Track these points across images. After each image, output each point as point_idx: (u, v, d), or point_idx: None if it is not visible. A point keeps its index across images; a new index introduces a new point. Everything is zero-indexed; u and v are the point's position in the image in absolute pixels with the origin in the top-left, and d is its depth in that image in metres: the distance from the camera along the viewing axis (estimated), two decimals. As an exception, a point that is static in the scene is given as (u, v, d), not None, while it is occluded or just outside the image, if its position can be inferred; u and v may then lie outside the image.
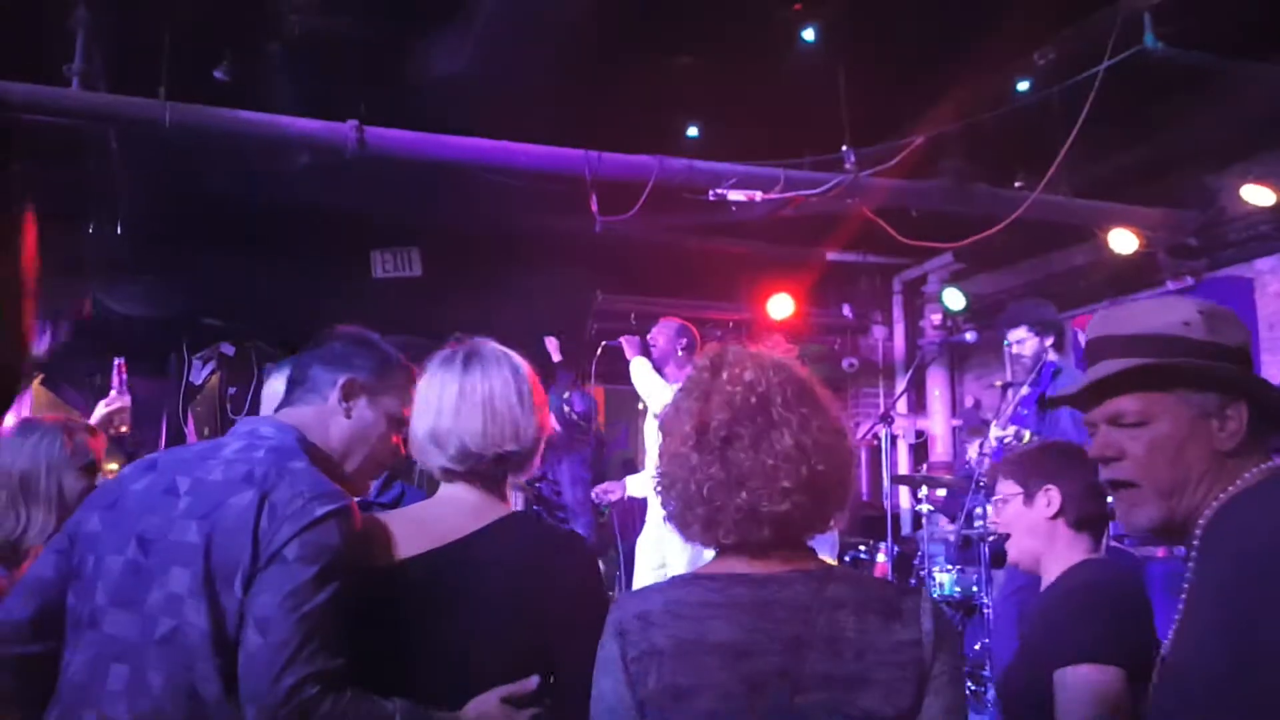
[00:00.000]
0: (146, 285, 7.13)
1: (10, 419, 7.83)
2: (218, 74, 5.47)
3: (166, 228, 6.50)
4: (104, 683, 1.77)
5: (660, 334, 5.62)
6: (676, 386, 5.52)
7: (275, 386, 2.52)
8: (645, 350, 5.60)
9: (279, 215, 6.47)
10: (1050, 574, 2.44)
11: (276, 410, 2.11)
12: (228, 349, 7.93)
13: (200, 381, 8.04)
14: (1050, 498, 2.43)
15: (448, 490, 2.00)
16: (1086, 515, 2.43)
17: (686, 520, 1.54)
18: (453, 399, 1.97)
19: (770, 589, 1.48)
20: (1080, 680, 2.13)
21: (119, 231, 5.94)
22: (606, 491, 5.87)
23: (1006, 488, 2.53)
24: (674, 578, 1.56)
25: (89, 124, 5.18)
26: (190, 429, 8.25)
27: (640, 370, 5.55)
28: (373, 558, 1.85)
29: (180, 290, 7.35)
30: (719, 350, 1.62)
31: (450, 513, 1.94)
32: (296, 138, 5.43)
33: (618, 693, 1.45)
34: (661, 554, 5.22)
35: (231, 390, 7.96)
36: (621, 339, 5.76)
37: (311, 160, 5.73)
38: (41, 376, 8.14)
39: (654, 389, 5.44)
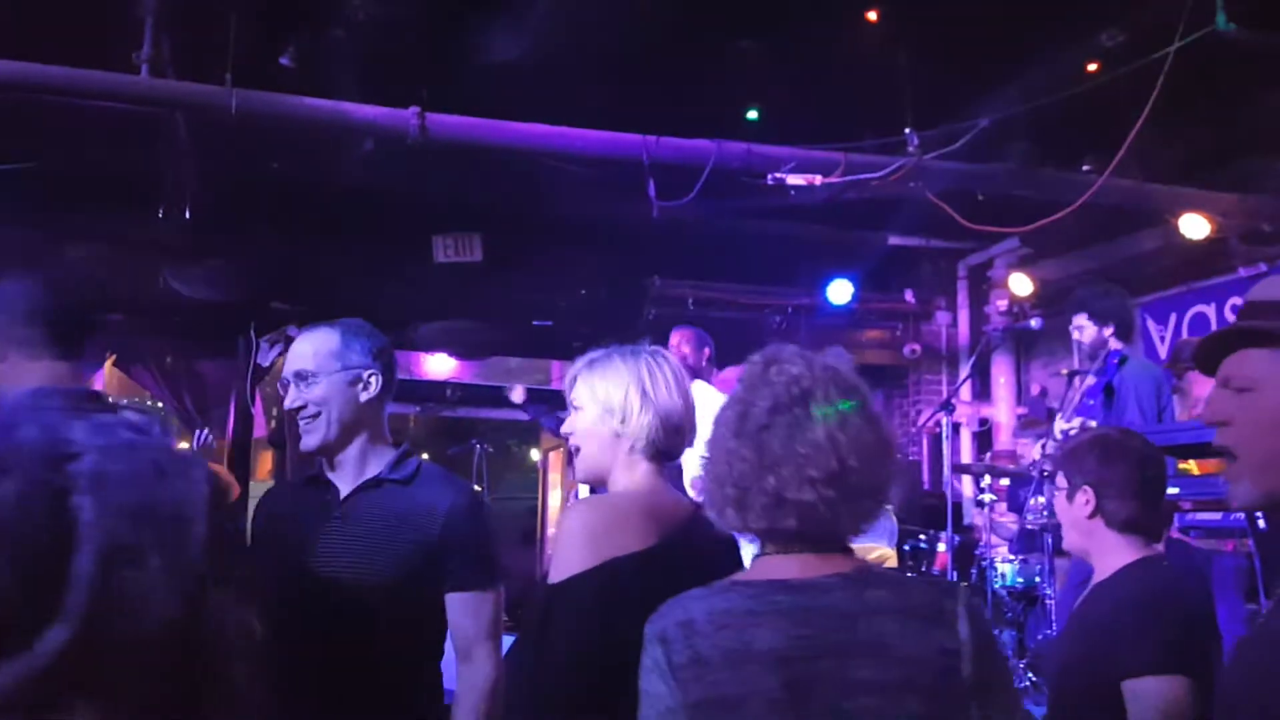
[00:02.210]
0: (215, 269, 7.27)
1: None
2: (283, 60, 5.55)
3: (234, 213, 6.62)
4: None
5: (684, 345, 5.37)
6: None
7: None
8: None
9: (343, 200, 6.56)
10: (1101, 570, 2.42)
11: None
12: (294, 332, 8.06)
13: (268, 364, 8.19)
14: (1086, 497, 2.41)
15: (656, 479, 2.11)
16: (1128, 516, 2.38)
17: (718, 501, 1.57)
18: (688, 393, 2.15)
19: (810, 595, 1.49)
20: (1150, 692, 2.14)
21: (187, 217, 6.05)
22: None
23: (1059, 479, 2.53)
24: (712, 585, 1.57)
25: (158, 111, 5.29)
26: (259, 409, 8.42)
27: (702, 395, 5.18)
28: (627, 544, 1.93)
29: (248, 274, 7.49)
30: (774, 349, 1.65)
31: (670, 501, 2.09)
32: (360, 124, 5.50)
33: (673, 696, 1.47)
34: None
35: (297, 372, 8.09)
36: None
37: (375, 146, 5.79)
38: (114, 358, 8.37)
39: (702, 394, 5.10)
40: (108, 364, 8.54)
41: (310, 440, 2.33)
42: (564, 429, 2.20)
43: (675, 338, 5.44)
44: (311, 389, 2.31)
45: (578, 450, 2.17)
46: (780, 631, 1.46)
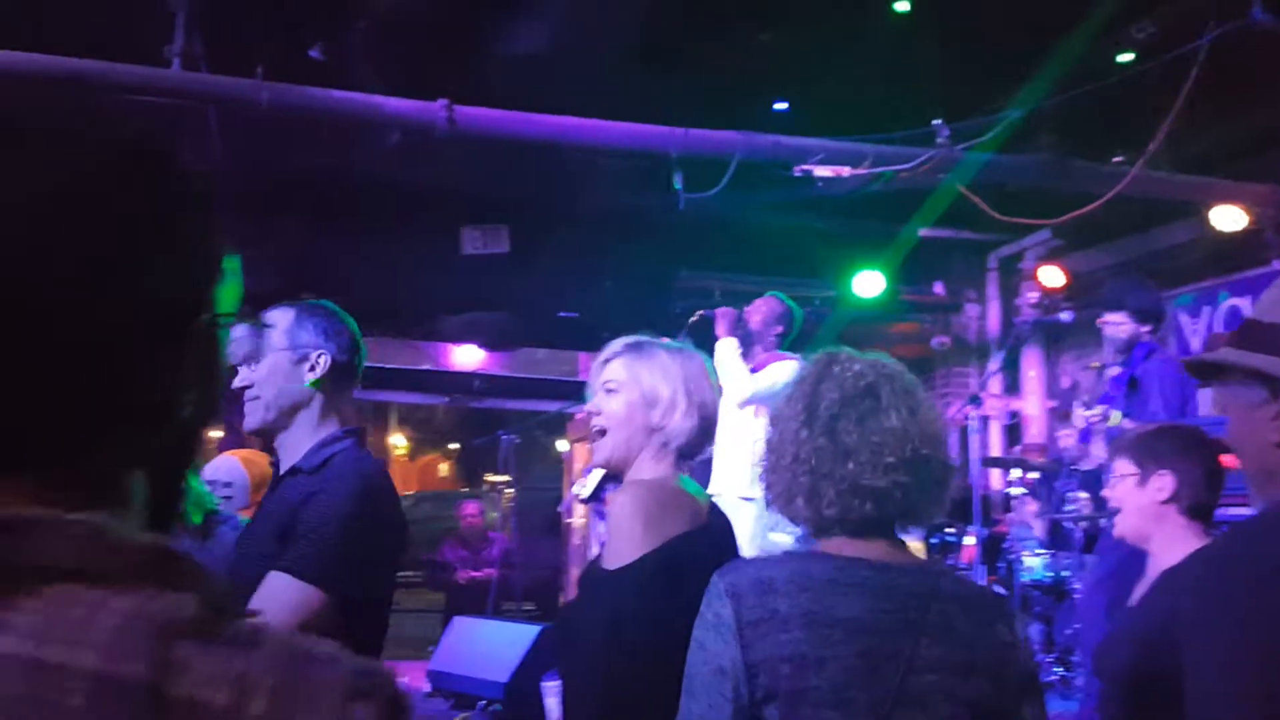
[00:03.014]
0: (245, 261, 7.31)
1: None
2: (312, 53, 5.59)
3: (265, 205, 6.67)
4: None
5: (757, 312, 5.18)
6: (759, 375, 5.29)
7: None
8: (737, 327, 5.10)
9: (372, 192, 6.60)
10: (1161, 557, 2.44)
11: None
12: (323, 323, 8.12)
13: (296, 355, 8.27)
14: (1164, 482, 2.43)
15: (676, 472, 2.12)
16: (1200, 503, 2.43)
17: (791, 492, 1.60)
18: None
19: (891, 574, 1.55)
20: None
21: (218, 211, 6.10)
22: None
23: (1122, 465, 2.53)
24: (790, 552, 1.68)
25: (190, 104, 5.34)
26: (288, 399, 8.50)
27: (726, 352, 5.07)
28: (678, 525, 1.96)
29: (278, 266, 7.54)
30: (832, 351, 1.70)
31: (690, 491, 2.10)
32: (388, 117, 5.54)
33: (730, 654, 1.49)
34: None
35: (327, 363, 8.17)
36: (718, 311, 5.21)
37: (403, 138, 5.83)
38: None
39: (735, 374, 4.98)
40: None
41: (247, 421, 2.16)
42: (590, 408, 2.16)
43: (756, 302, 5.25)
44: (256, 369, 2.14)
45: (602, 433, 2.13)
46: (862, 603, 1.51)
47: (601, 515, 6.52)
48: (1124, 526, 2.53)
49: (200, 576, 0.62)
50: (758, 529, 4.64)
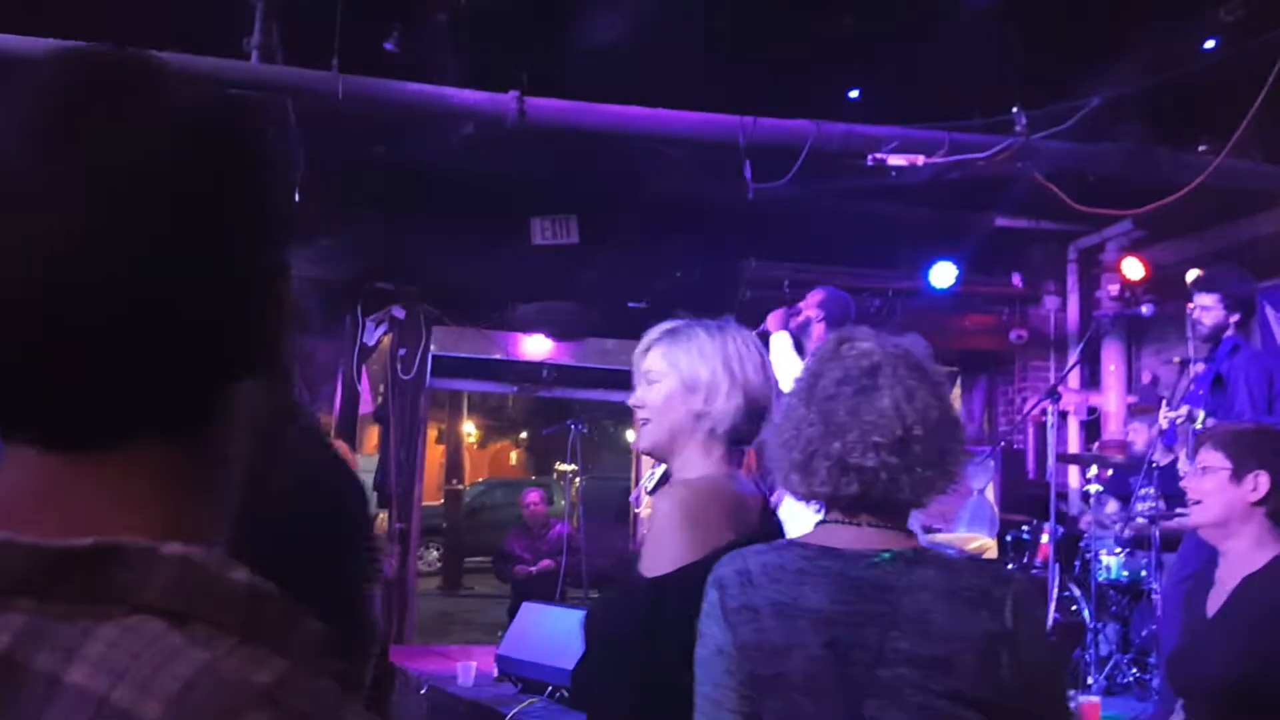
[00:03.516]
0: (323, 250, 7.46)
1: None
2: (388, 45, 5.67)
3: (340, 195, 6.79)
4: None
5: (810, 304, 5.20)
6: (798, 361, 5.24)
7: None
8: (788, 318, 5.17)
9: (444, 182, 6.68)
10: (1238, 554, 2.41)
11: None
12: (399, 312, 8.25)
13: (373, 343, 8.40)
14: (1259, 483, 2.39)
15: (729, 464, 2.02)
16: None
17: (785, 467, 1.62)
18: (773, 375, 2.07)
19: (859, 565, 1.55)
20: None
21: (297, 199, 6.22)
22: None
23: (1213, 458, 2.48)
24: (768, 545, 1.65)
25: (267, 95, 5.45)
26: (365, 387, 8.64)
27: (778, 346, 5.13)
28: (724, 533, 1.86)
29: (353, 255, 7.68)
30: (849, 329, 1.71)
31: (744, 487, 2.00)
32: (460, 109, 5.59)
33: (724, 636, 1.57)
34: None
35: (401, 351, 8.29)
36: (770, 316, 5.28)
37: (476, 129, 5.88)
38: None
39: (786, 365, 4.80)
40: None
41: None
42: (633, 400, 2.08)
43: (812, 293, 5.27)
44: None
45: (646, 423, 2.05)
46: (825, 593, 1.53)
47: None
48: (1204, 518, 2.49)
49: (292, 625, 0.59)
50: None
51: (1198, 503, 2.49)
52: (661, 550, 1.83)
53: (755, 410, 1.99)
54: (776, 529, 1.97)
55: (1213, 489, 2.46)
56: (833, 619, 1.52)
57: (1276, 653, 2.20)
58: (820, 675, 1.50)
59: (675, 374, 2.00)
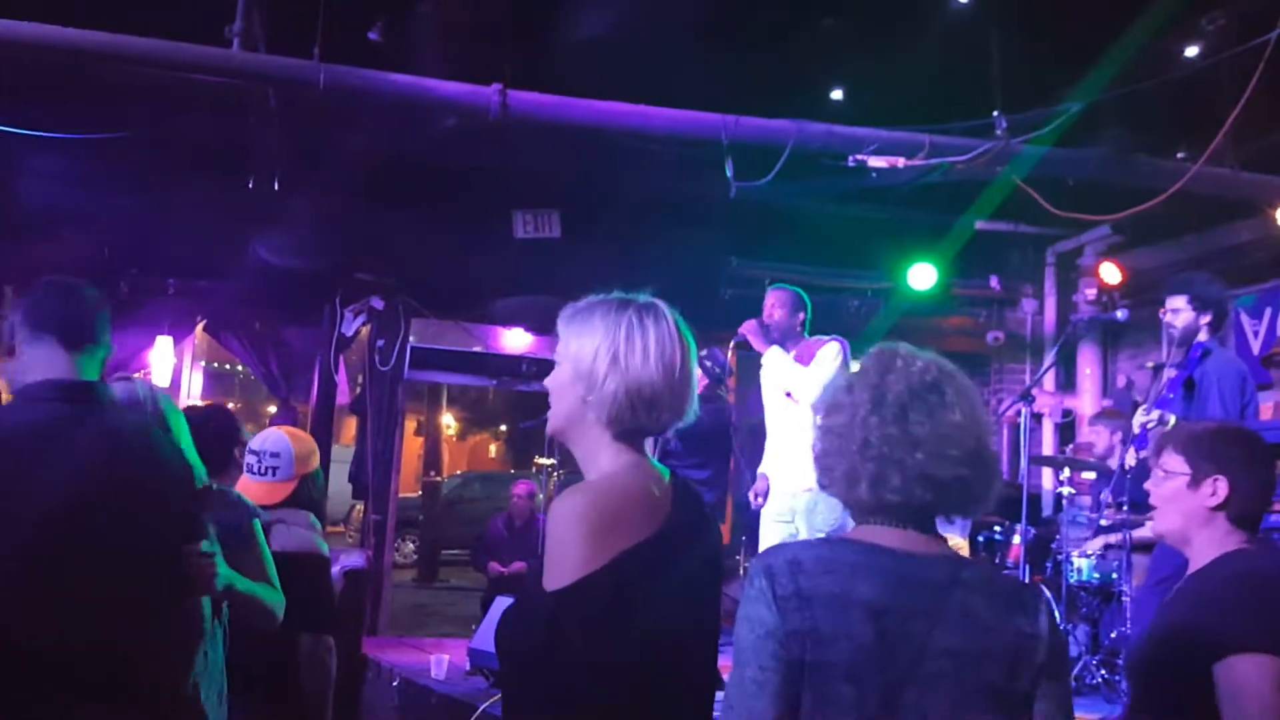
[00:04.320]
0: (303, 239, 7.43)
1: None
2: (371, 35, 5.65)
3: (322, 184, 6.76)
4: None
5: (777, 307, 5.20)
6: (812, 367, 5.27)
7: None
8: (764, 329, 5.17)
9: (426, 174, 6.66)
10: (1199, 559, 2.36)
11: None
12: (377, 303, 8.21)
13: (351, 334, 8.36)
14: (1218, 488, 2.32)
15: (630, 454, 1.83)
16: (1250, 512, 2.34)
17: (855, 476, 1.64)
18: (677, 363, 1.84)
19: (911, 564, 1.62)
20: (1243, 671, 2.09)
21: (276, 187, 6.20)
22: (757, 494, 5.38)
23: (1173, 463, 2.40)
24: (819, 539, 1.71)
25: (249, 83, 5.42)
26: (342, 378, 8.61)
27: (776, 360, 5.13)
28: (629, 535, 1.71)
29: (333, 245, 7.64)
30: (892, 345, 1.73)
31: (652, 478, 1.82)
32: (442, 100, 5.57)
33: (773, 620, 1.59)
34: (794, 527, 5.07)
35: (380, 343, 8.26)
36: (742, 331, 5.25)
37: (458, 122, 5.86)
38: (204, 323, 8.62)
39: (792, 377, 5.03)
40: (198, 329, 8.81)
41: None
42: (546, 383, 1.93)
43: (770, 298, 5.27)
44: None
45: (550, 409, 1.90)
46: (880, 587, 1.59)
47: None
48: (1163, 525, 2.43)
49: None
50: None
51: (1156, 508, 2.43)
52: (560, 561, 1.68)
53: (643, 399, 1.79)
54: (688, 510, 1.82)
55: (1170, 495, 2.40)
56: (883, 611, 1.57)
57: (1197, 637, 2.19)
58: (865, 664, 1.56)
59: (568, 358, 1.85)
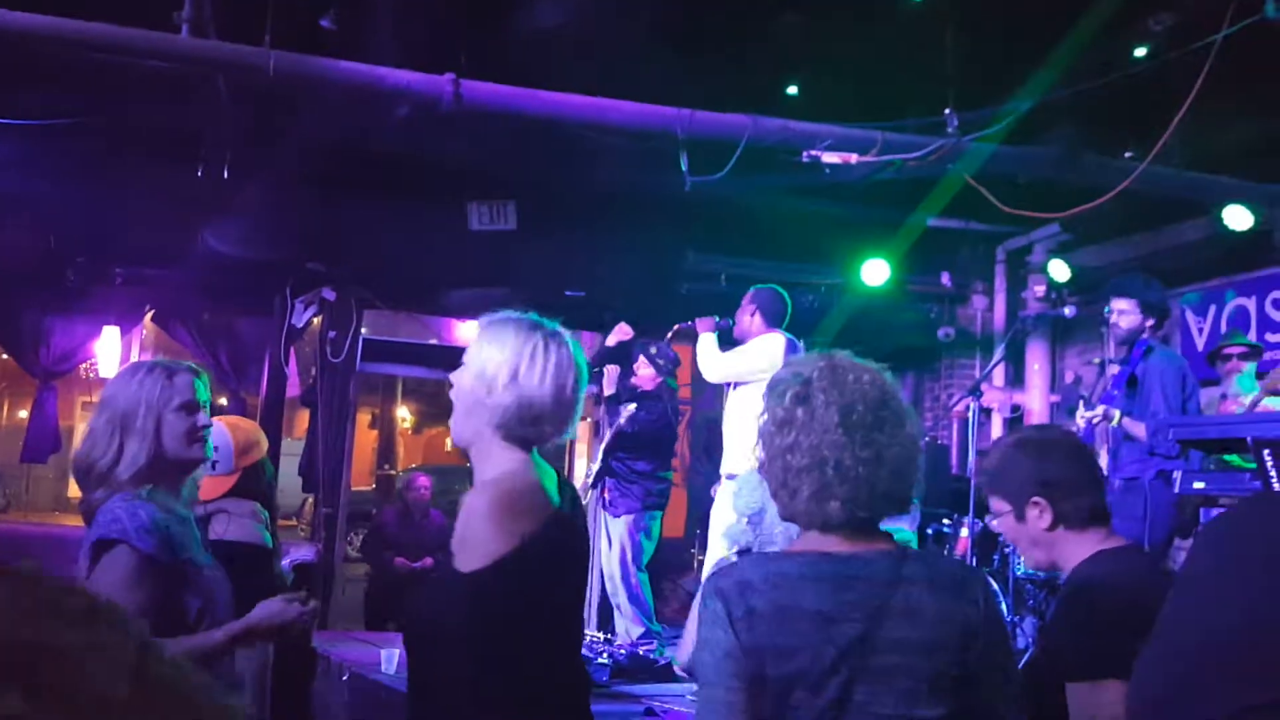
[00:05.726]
0: (253, 228, 7.33)
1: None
2: (324, 22, 5.57)
3: (273, 172, 6.67)
4: None
5: (745, 309, 5.65)
6: (736, 349, 5.63)
7: None
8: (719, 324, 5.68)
9: (380, 163, 6.59)
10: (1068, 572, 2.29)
11: None
12: (329, 294, 8.12)
13: (302, 324, 8.27)
14: (1040, 509, 2.23)
15: (517, 455, 2.02)
16: (1085, 505, 2.24)
17: (824, 496, 1.69)
18: (567, 387, 2.07)
19: (854, 566, 1.68)
20: (1082, 699, 2.07)
21: (226, 176, 6.11)
22: None
23: (995, 505, 2.33)
24: (763, 555, 1.85)
25: (198, 70, 5.33)
26: (293, 369, 8.51)
27: (703, 345, 5.61)
28: (533, 519, 1.95)
29: (284, 235, 7.55)
30: (830, 354, 1.79)
31: (536, 476, 2.02)
32: (394, 89, 5.50)
33: (731, 641, 1.65)
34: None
35: (331, 334, 8.17)
36: (699, 321, 5.77)
37: (411, 111, 5.80)
38: (153, 313, 8.48)
39: (707, 356, 5.55)
40: (146, 319, 8.67)
41: None
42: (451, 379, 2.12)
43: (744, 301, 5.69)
44: None
45: (454, 407, 2.10)
46: (824, 595, 1.65)
47: (603, 505, 6.53)
48: (1030, 563, 2.37)
49: None
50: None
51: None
52: (475, 546, 1.89)
53: (529, 414, 1.99)
54: (574, 501, 2.08)
55: (1013, 535, 2.32)
56: (833, 617, 1.64)
57: (1049, 659, 2.20)
58: (820, 670, 1.62)
59: (476, 361, 2.04)
